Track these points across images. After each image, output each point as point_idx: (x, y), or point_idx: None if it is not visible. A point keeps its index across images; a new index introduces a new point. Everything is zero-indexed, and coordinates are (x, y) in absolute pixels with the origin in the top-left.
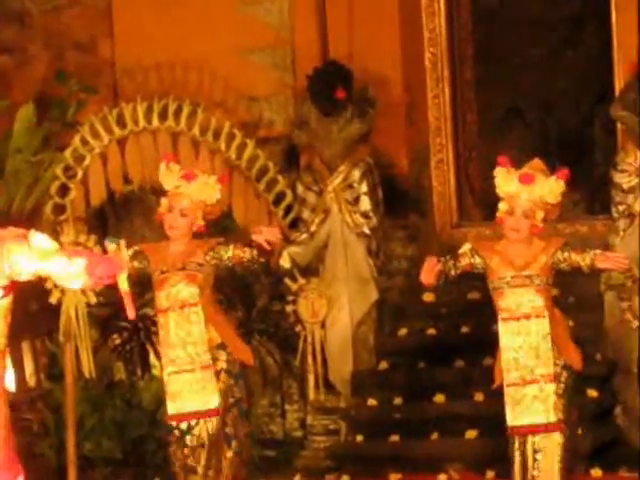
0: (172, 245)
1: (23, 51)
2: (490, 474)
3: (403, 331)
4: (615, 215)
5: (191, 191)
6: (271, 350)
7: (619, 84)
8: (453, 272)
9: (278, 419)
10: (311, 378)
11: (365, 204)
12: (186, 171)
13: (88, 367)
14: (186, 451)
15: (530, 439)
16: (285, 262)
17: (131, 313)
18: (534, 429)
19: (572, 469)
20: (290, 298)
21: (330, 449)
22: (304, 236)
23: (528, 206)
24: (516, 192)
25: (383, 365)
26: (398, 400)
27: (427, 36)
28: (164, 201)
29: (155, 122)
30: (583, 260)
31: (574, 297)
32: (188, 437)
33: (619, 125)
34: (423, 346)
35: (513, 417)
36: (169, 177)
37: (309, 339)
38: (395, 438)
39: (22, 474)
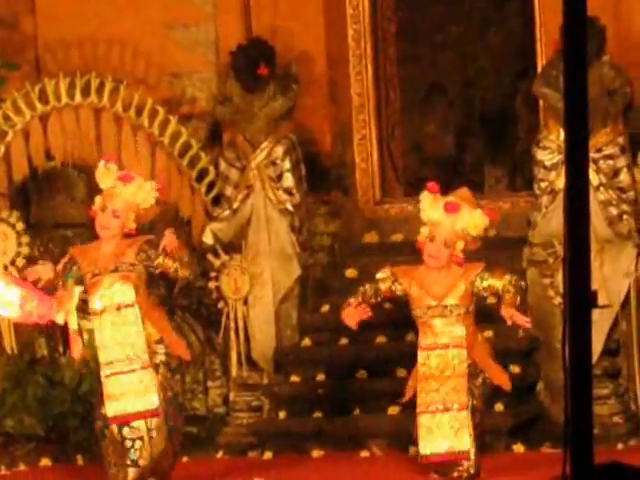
0: (102, 246)
1: None
2: (412, 450)
3: (326, 307)
4: (537, 192)
5: (126, 193)
6: (194, 327)
7: (541, 61)
8: (374, 300)
9: (200, 395)
10: (234, 355)
11: (288, 181)
12: (124, 173)
13: (10, 343)
14: (124, 444)
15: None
16: (207, 238)
17: (76, 353)
18: (446, 457)
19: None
20: (213, 274)
21: (253, 426)
22: (227, 212)
23: (450, 235)
24: (440, 220)
25: (306, 342)
26: (321, 377)
27: (350, 13)
28: (98, 199)
29: (78, 98)
30: (502, 289)
31: None
32: (126, 429)
33: (541, 102)
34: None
35: (425, 446)
36: (106, 176)
37: (232, 315)
38: (318, 414)
39: None
